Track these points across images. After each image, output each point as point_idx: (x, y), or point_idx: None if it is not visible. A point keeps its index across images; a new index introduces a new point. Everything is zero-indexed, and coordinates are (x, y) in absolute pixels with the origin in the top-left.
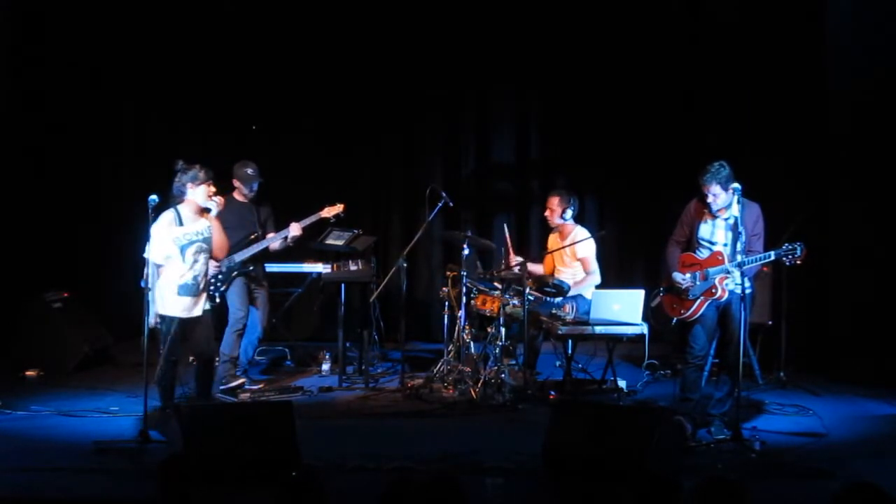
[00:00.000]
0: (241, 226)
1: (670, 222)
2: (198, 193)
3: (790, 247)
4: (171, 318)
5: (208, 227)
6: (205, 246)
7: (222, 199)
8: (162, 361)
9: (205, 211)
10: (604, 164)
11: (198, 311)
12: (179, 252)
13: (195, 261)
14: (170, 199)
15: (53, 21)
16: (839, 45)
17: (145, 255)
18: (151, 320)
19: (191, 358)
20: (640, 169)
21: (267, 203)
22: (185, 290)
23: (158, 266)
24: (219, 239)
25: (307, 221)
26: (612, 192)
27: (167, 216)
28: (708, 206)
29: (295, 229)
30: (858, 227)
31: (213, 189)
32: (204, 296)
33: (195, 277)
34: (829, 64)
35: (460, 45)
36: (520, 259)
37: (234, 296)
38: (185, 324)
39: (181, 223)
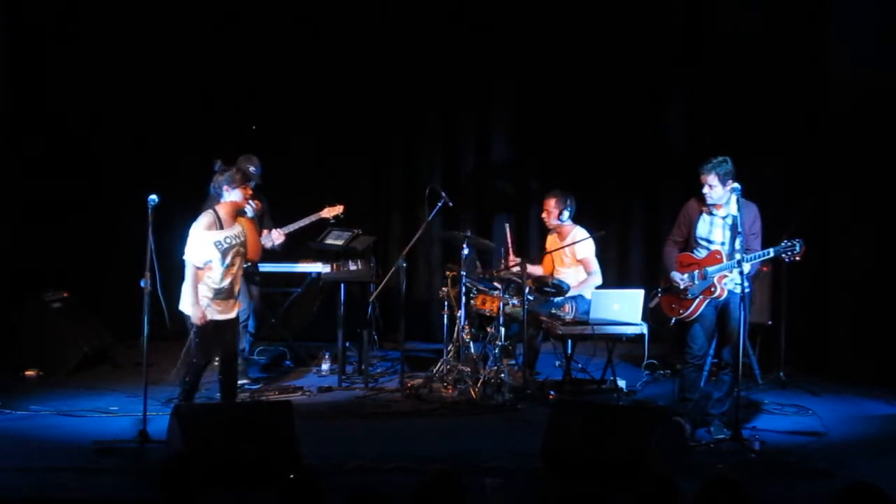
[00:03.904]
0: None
1: (668, 222)
2: (235, 195)
3: (789, 243)
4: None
5: (243, 230)
6: (242, 250)
7: (259, 203)
8: (194, 365)
9: (239, 213)
10: (602, 163)
11: (233, 314)
12: (220, 256)
13: (233, 264)
14: (206, 200)
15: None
16: (841, 43)
17: (185, 258)
18: (193, 315)
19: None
20: (639, 169)
21: (263, 198)
22: (222, 293)
23: (198, 267)
24: (253, 241)
25: (295, 226)
26: (611, 192)
27: (207, 218)
28: (705, 199)
29: (277, 237)
30: (858, 226)
31: (249, 191)
32: (239, 298)
33: (232, 281)
34: (829, 62)
35: (459, 47)
36: (518, 259)
37: None
38: (220, 325)
39: (221, 226)
